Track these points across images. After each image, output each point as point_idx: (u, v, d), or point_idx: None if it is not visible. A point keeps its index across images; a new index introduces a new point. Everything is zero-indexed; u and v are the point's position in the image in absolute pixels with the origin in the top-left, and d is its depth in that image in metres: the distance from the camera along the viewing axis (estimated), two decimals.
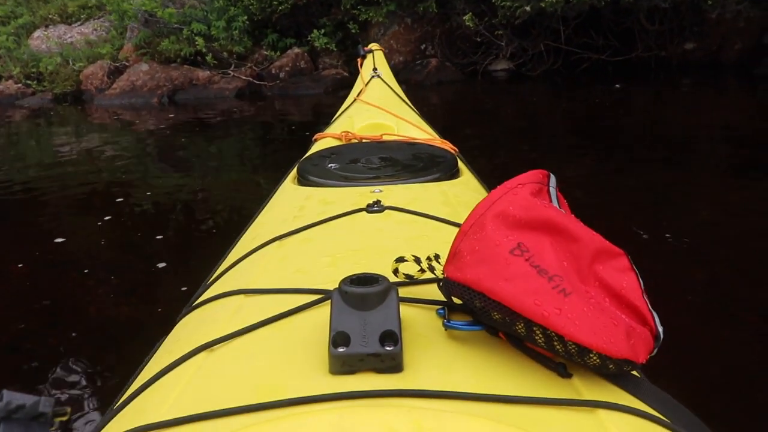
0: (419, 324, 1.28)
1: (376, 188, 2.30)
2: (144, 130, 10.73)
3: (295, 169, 2.81)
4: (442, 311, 1.30)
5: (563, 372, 1.15)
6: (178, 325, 1.69)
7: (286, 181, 2.78)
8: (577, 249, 1.21)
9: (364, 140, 3.26)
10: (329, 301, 1.20)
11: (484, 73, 12.63)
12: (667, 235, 4.71)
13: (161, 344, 1.62)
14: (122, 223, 5.95)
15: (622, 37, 12.01)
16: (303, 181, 2.61)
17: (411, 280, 1.43)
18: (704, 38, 11.85)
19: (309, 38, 13.02)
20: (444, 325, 1.25)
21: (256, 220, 2.45)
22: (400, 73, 12.53)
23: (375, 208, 2.00)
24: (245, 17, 12.94)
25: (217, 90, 12.75)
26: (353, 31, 12.95)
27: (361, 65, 5.03)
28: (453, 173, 2.64)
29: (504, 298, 1.12)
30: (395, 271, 1.41)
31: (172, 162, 8.54)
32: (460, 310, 1.28)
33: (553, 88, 11.54)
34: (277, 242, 1.92)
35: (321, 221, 1.98)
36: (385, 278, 1.22)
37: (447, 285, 1.24)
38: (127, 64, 13.38)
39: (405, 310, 1.27)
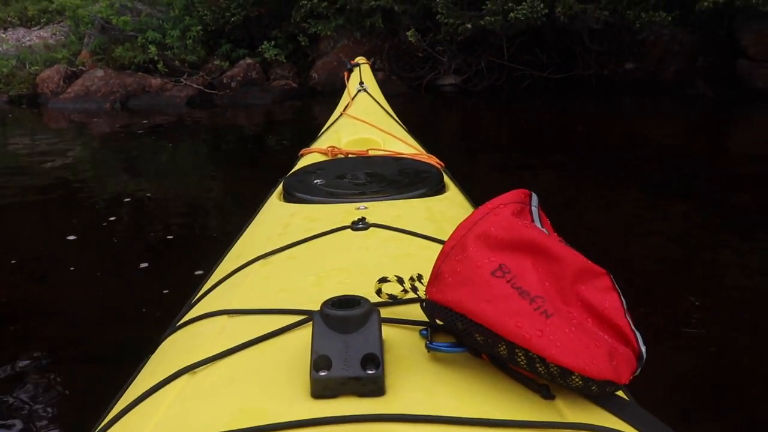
0: (402, 345, 1.24)
1: (362, 205, 2.23)
2: (99, 135, 10.71)
3: (281, 185, 2.72)
4: (425, 332, 1.25)
5: (546, 394, 1.10)
6: (161, 345, 1.63)
7: (272, 197, 2.70)
8: (559, 269, 1.17)
9: (350, 155, 3.16)
10: (312, 322, 1.16)
11: (432, 87, 12.58)
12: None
13: (145, 365, 1.56)
14: (83, 227, 5.84)
15: (566, 55, 12.10)
16: (288, 197, 2.53)
17: (394, 300, 1.38)
18: (642, 59, 12.00)
19: (260, 49, 12.91)
20: (427, 346, 1.20)
21: (242, 237, 2.36)
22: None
23: (360, 225, 1.95)
24: (199, 27, 12.87)
25: (169, 97, 12.61)
26: (303, 43, 12.94)
27: (348, 79, 4.86)
28: (439, 188, 2.57)
29: (485, 320, 1.08)
30: (378, 292, 1.36)
31: (127, 167, 8.47)
32: (443, 330, 1.23)
33: (496, 104, 11.56)
34: (261, 260, 1.86)
35: (306, 239, 1.92)
36: (366, 300, 1.18)
37: (429, 306, 1.20)
38: (83, 69, 13.23)
39: (388, 330, 1.24)
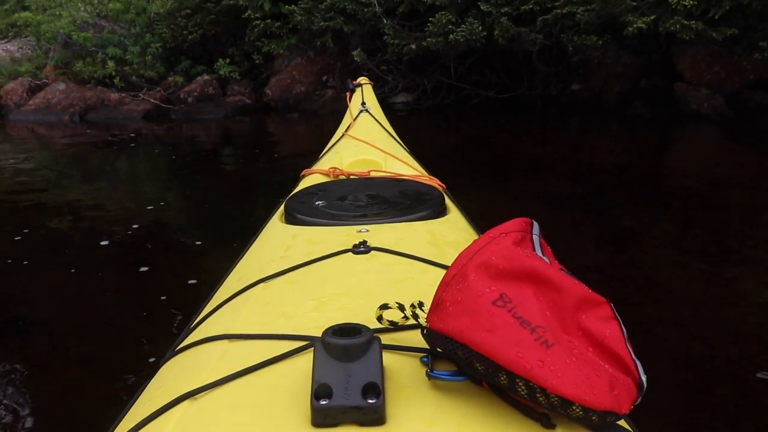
0: (403, 373, 1.19)
1: (363, 228, 2.15)
2: (59, 145, 10.57)
3: (282, 207, 2.62)
4: (426, 359, 1.20)
5: (547, 423, 1.06)
6: (161, 369, 1.56)
7: (273, 219, 2.59)
8: (560, 298, 1.12)
9: (351, 176, 3.04)
10: (312, 348, 1.12)
11: (384, 105, 12.26)
12: None
13: (145, 389, 1.49)
14: (40, 235, 5.69)
15: (514, 76, 12.07)
16: (290, 219, 2.43)
17: (395, 327, 1.33)
18: (588, 80, 11.99)
19: (215, 66, 12.78)
20: (427, 374, 1.15)
21: (243, 260, 2.27)
22: (300, 102, 12.37)
23: (361, 248, 1.87)
24: (159, 44, 12.77)
25: (126, 111, 12.45)
26: (257, 61, 12.82)
27: (350, 99, 4.67)
28: (440, 211, 2.47)
29: (486, 350, 1.04)
30: (379, 318, 1.32)
31: (86, 176, 8.33)
32: (444, 357, 1.17)
33: (443, 121, 11.50)
34: (262, 284, 1.78)
35: (307, 262, 1.84)
36: (367, 328, 1.13)
37: (430, 335, 1.15)
38: (47, 82, 13.08)
39: (389, 357, 1.20)
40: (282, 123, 11.94)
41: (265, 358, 1.26)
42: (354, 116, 4.28)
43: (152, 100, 12.44)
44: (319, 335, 1.13)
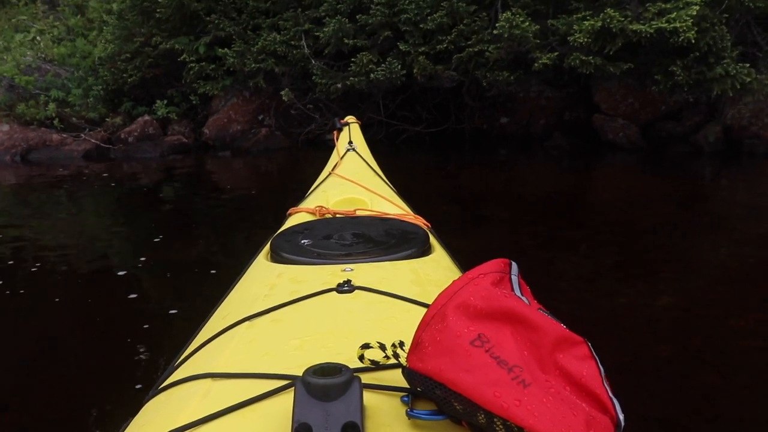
0: (383, 412, 1.16)
1: (348, 267, 2.09)
2: (5, 185, 10.51)
3: (268, 245, 2.56)
4: (406, 398, 1.17)
5: None
6: (144, 408, 1.51)
7: (259, 257, 2.53)
8: (537, 338, 1.10)
9: (337, 215, 2.98)
10: (294, 388, 1.09)
11: (320, 141, 12.36)
12: None
13: (128, 428, 1.44)
14: None
15: (444, 111, 12.13)
16: (275, 257, 2.37)
17: (376, 366, 1.29)
18: (515, 113, 12.07)
19: (153, 108, 12.65)
20: (407, 414, 1.12)
21: (228, 298, 2.21)
22: (235, 141, 12.26)
23: (345, 288, 1.82)
24: (101, 87, 12.64)
25: (67, 151, 12.22)
26: (194, 102, 12.72)
27: (337, 138, 4.55)
28: (425, 250, 2.42)
29: (464, 390, 1.01)
30: (361, 357, 1.28)
31: (29, 214, 8.31)
32: (424, 397, 1.15)
33: (376, 157, 11.10)
34: (247, 322, 1.74)
35: (291, 301, 1.79)
36: (347, 368, 1.11)
37: (409, 374, 1.12)
38: None
39: (369, 396, 1.16)
40: (215, 161, 11.89)
41: (248, 398, 1.23)
42: (341, 155, 4.18)
43: (93, 141, 12.25)
44: (301, 374, 1.10)
